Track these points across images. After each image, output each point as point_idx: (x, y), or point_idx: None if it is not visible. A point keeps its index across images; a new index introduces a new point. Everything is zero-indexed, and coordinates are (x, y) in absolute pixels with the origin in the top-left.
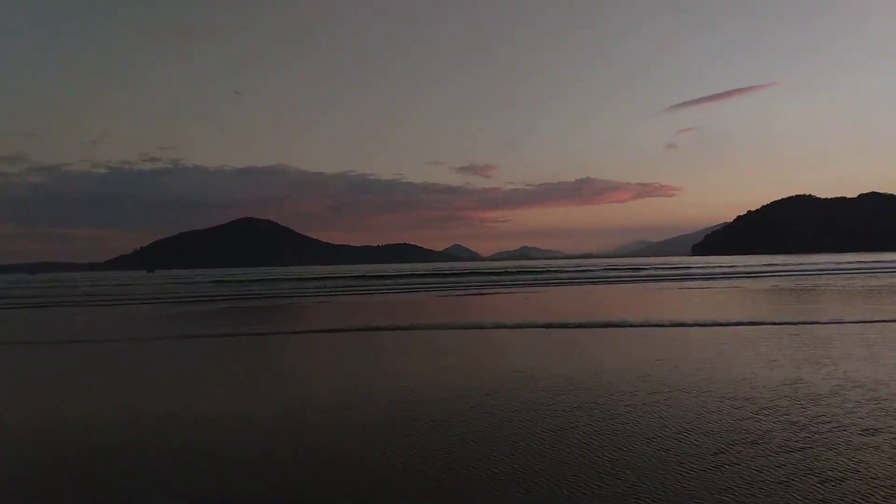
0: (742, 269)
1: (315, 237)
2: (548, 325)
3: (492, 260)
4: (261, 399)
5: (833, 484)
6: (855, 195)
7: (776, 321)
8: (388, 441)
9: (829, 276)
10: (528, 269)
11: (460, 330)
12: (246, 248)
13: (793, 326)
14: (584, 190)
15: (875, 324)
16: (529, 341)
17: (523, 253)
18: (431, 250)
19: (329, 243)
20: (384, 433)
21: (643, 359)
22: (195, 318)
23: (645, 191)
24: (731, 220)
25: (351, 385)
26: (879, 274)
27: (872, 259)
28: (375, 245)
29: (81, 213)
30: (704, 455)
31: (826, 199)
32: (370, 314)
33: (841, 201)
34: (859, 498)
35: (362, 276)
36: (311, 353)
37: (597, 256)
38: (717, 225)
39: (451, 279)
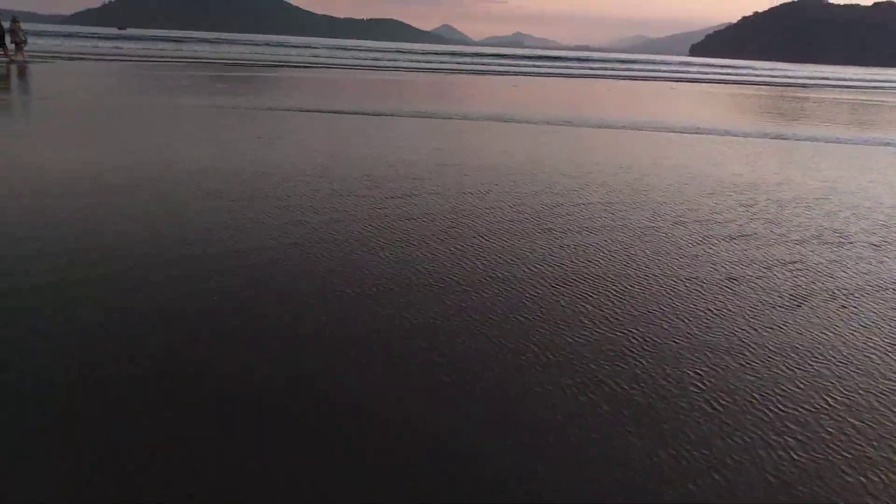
0: (746, 75)
1: (295, 3)
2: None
3: (483, 45)
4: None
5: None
6: (869, 2)
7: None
8: (361, 199)
9: (840, 89)
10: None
11: (461, 120)
12: (216, 12)
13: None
14: None
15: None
16: (507, 134)
17: (517, 40)
18: (419, 29)
19: (311, 12)
20: (357, 192)
21: (633, 156)
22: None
23: None
24: (736, 21)
25: (329, 158)
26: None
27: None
28: (360, 18)
29: None
30: (682, 244)
31: (840, 4)
32: (356, 96)
33: (854, 8)
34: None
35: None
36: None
37: (595, 49)
38: (720, 25)
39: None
